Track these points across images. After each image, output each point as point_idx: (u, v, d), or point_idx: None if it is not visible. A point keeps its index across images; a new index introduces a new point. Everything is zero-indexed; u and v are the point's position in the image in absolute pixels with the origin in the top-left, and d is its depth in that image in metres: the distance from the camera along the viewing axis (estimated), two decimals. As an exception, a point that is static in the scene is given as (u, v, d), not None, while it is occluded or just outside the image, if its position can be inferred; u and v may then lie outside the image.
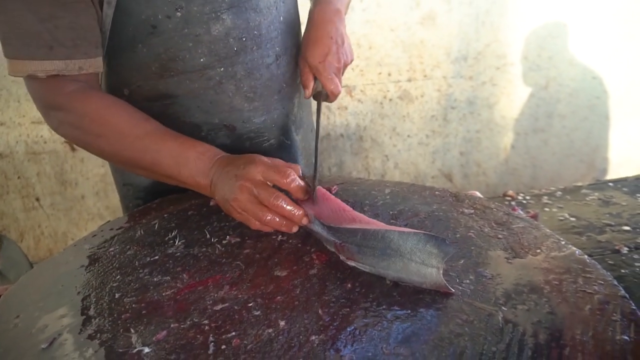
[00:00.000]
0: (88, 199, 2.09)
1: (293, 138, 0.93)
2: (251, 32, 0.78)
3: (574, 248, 0.59)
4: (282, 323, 0.48)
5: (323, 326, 0.47)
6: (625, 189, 1.05)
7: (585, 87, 2.18)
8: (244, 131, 0.85)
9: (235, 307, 0.52)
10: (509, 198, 1.06)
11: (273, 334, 0.47)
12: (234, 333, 0.48)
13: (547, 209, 1.00)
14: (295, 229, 0.65)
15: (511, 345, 0.43)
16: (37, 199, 2.06)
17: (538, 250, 0.58)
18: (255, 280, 0.56)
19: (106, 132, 0.70)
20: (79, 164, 2.03)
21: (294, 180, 0.63)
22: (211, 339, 0.47)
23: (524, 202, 1.04)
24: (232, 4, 0.74)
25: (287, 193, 0.64)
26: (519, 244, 0.60)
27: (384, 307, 0.50)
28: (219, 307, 0.52)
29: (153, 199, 0.87)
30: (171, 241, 0.67)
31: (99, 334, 0.49)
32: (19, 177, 2.02)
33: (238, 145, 0.85)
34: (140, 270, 0.61)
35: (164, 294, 0.55)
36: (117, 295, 0.56)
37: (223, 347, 0.46)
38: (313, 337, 0.46)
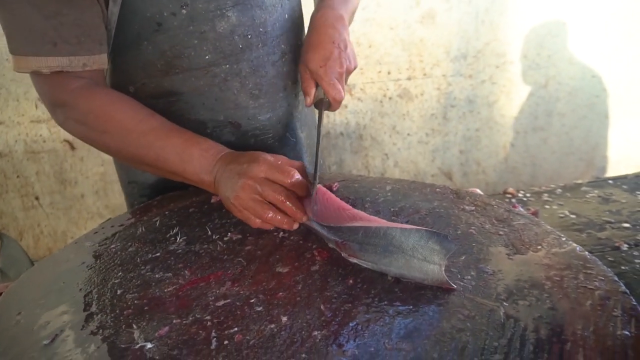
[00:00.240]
0: (87, 197, 2.09)
1: (298, 135, 0.93)
2: (256, 29, 0.78)
3: (575, 244, 0.59)
4: (284, 319, 0.48)
5: (325, 322, 0.47)
6: (625, 187, 1.05)
7: (585, 85, 2.18)
8: (249, 128, 0.85)
9: (237, 303, 0.52)
10: (509, 195, 1.06)
11: (275, 330, 0.47)
12: (236, 329, 0.48)
13: (547, 206, 1.00)
14: (296, 226, 0.65)
15: (513, 341, 0.43)
16: (37, 198, 2.06)
17: (539, 247, 0.58)
18: (257, 276, 0.57)
19: (111, 128, 0.70)
20: (78, 162, 2.03)
21: (297, 179, 0.63)
22: (214, 334, 0.47)
23: (524, 199, 1.05)
24: (238, 1, 0.74)
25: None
26: (520, 241, 0.60)
27: (385, 302, 0.50)
28: (221, 303, 0.52)
29: (157, 196, 0.87)
30: (172, 238, 0.67)
31: (101, 330, 0.49)
32: (18, 176, 2.02)
33: (243, 142, 0.85)
34: (142, 267, 0.61)
35: (165, 290, 0.55)
36: (119, 292, 0.56)
37: (226, 342, 0.46)
38: (315, 333, 0.46)
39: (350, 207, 0.64)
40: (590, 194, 1.04)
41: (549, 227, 0.63)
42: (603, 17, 2.09)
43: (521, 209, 0.74)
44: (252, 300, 0.52)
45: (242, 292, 0.54)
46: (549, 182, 2.30)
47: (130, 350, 0.46)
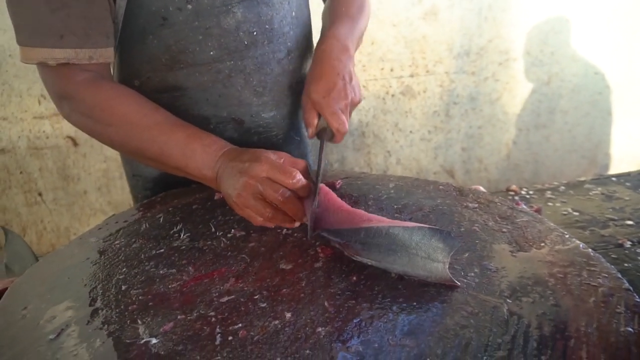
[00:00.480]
0: (90, 194, 2.09)
1: (302, 134, 0.93)
2: (262, 26, 0.77)
3: (578, 242, 0.59)
4: (288, 315, 0.49)
5: (329, 318, 0.48)
6: (628, 184, 1.05)
7: (588, 83, 2.18)
8: (252, 125, 0.85)
9: (241, 300, 0.52)
10: (512, 193, 1.06)
11: (279, 326, 0.47)
12: (240, 325, 0.48)
13: (550, 204, 1.00)
14: (297, 224, 0.65)
15: (516, 337, 0.44)
16: (40, 194, 2.07)
17: (542, 244, 0.58)
18: (261, 273, 0.57)
19: (115, 121, 0.71)
20: (81, 159, 2.03)
21: (299, 180, 0.62)
22: (218, 330, 0.47)
23: (527, 196, 1.05)
24: None
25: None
26: (523, 238, 0.60)
27: (389, 299, 0.50)
28: (225, 299, 0.52)
29: (161, 190, 0.87)
30: (176, 234, 0.67)
31: (106, 325, 0.50)
32: (21, 172, 2.03)
33: (246, 140, 0.85)
34: (146, 263, 0.61)
35: (170, 286, 0.56)
36: (123, 288, 0.56)
37: (230, 338, 0.46)
38: (319, 329, 0.46)
39: (350, 207, 0.63)
40: (594, 192, 1.04)
41: (552, 224, 0.63)
42: (606, 14, 2.08)
43: (524, 207, 0.74)
44: (256, 297, 0.52)
45: (246, 289, 0.54)
46: (551, 179, 2.30)
47: (135, 345, 0.46)
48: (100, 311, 0.52)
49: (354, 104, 0.75)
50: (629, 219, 0.89)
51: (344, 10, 0.85)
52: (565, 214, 0.95)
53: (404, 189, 0.76)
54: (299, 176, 0.62)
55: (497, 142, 2.24)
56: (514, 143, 2.25)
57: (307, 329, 0.46)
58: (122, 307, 0.53)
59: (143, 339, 0.47)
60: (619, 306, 0.47)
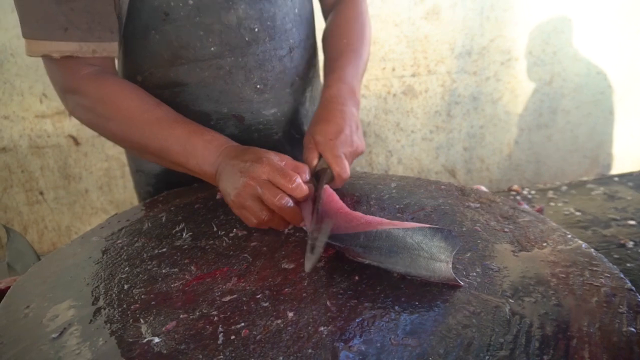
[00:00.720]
0: (92, 193, 2.09)
1: (303, 132, 0.93)
2: (264, 22, 0.77)
3: (580, 242, 0.59)
4: (290, 314, 0.49)
5: (331, 317, 0.48)
6: (630, 184, 1.05)
7: (590, 82, 2.17)
8: (253, 122, 0.85)
9: (244, 299, 0.52)
10: (514, 192, 1.06)
11: (282, 325, 0.47)
12: (242, 324, 0.48)
13: (552, 204, 1.00)
14: (290, 226, 0.65)
15: (518, 337, 0.44)
16: (41, 193, 2.07)
17: (544, 244, 0.58)
18: (263, 272, 0.57)
19: (116, 116, 0.71)
20: (82, 158, 2.04)
21: (299, 185, 0.61)
22: (220, 329, 0.47)
23: (529, 196, 1.05)
24: None
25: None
26: (525, 238, 0.60)
27: (391, 299, 0.50)
28: (228, 298, 0.52)
29: (163, 186, 0.87)
30: (178, 234, 0.68)
31: (108, 324, 0.50)
32: (22, 171, 2.03)
33: (247, 137, 0.85)
34: (149, 262, 0.61)
35: (172, 286, 0.56)
36: (125, 287, 0.56)
37: (232, 337, 0.46)
38: (322, 328, 0.46)
39: (348, 209, 0.62)
40: (596, 192, 1.04)
41: (554, 224, 0.63)
42: (608, 14, 2.08)
43: (526, 206, 0.74)
44: (258, 296, 0.52)
45: (248, 288, 0.54)
46: (553, 179, 2.30)
47: (137, 344, 0.46)
48: (102, 310, 0.52)
49: (357, 154, 0.74)
50: (632, 219, 0.89)
51: (345, 42, 0.85)
52: (567, 214, 0.95)
53: (405, 189, 0.76)
54: (299, 180, 0.61)
55: (498, 141, 2.24)
56: (516, 143, 2.25)
57: (310, 328, 0.47)
58: (124, 306, 0.53)
59: (145, 338, 0.47)
60: (621, 306, 0.47)
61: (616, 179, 1.08)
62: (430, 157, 2.23)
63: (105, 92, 0.71)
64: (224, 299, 0.52)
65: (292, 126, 0.90)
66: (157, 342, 0.46)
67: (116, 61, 0.78)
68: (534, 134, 2.24)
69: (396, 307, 0.48)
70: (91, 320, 0.51)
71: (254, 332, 0.47)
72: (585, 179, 1.12)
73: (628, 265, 0.74)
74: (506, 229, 0.62)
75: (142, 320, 0.50)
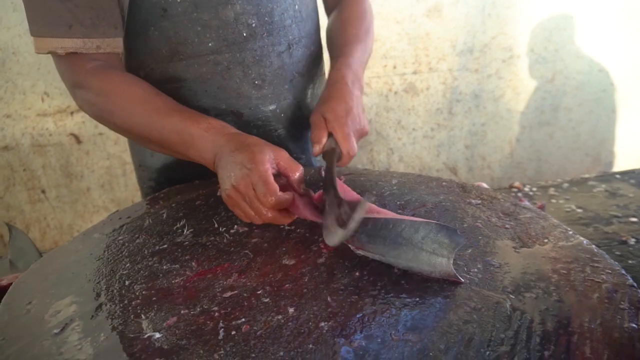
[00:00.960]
0: (93, 191, 2.10)
1: (303, 131, 0.92)
2: (262, 18, 0.78)
3: (582, 238, 0.59)
4: (291, 310, 0.49)
5: (332, 313, 0.48)
6: (632, 181, 1.05)
7: (592, 80, 2.17)
8: (251, 119, 0.85)
9: (245, 295, 0.52)
10: (515, 189, 1.06)
11: (282, 321, 0.47)
12: (243, 319, 0.48)
13: (553, 201, 1.00)
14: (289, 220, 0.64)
15: (519, 333, 0.44)
16: (43, 191, 2.08)
17: (546, 240, 0.58)
18: (264, 268, 0.57)
19: (117, 108, 0.72)
20: (84, 156, 2.04)
21: (276, 204, 0.60)
22: (221, 325, 0.47)
23: (531, 193, 1.04)
24: None
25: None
26: (527, 234, 0.60)
27: (392, 294, 0.50)
28: (228, 294, 0.52)
29: (165, 181, 0.88)
30: (179, 230, 0.68)
31: (110, 320, 0.50)
32: (24, 170, 2.03)
33: (245, 132, 0.85)
34: (150, 259, 0.61)
35: (173, 282, 0.56)
36: (127, 283, 0.56)
37: (233, 332, 0.46)
38: (322, 324, 0.46)
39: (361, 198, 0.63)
40: (597, 189, 1.04)
41: (555, 220, 0.63)
42: (610, 11, 2.07)
43: (527, 203, 0.74)
44: (259, 292, 0.52)
45: (249, 284, 0.54)
46: (555, 177, 2.29)
47: (139, 339, 0.47)
48: (104, 306, 0.52)
49: (363, 134, 0.76)
50: (633, 216, 0.89)
51: (353, 33, 0.86)
52: (568, 211, 0.94)
53: (406, 185, 0.76)
54: (276, 197, 0.59)
55: (500, 139, 2.23)
56: (518, 140, 2.24)
57: (310, 323, 0.47)
58: (125, 302, 0.53)
59: (147, 333, 0.47)
60: (622, 302, 0.47)
61: (618, 176, 1.08)
62: (432, 154, 2.22)
63: (107, 85, 0.72)
64: (224, 295, 0.52)
65: (291, 123, 0.90)
66: (158, 338, 0.47)
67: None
68: (535, 132, 2.23)
69: (397, 303, 0.48)
70: (93, 316, 0.51)
71: (255, 328, 0.47)
72: (586, 176, 1.11)
73: (630, 262, 0.74)
74: (507, 226, 0.62)
75: (143, 316, 0.50)
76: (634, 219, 0.88)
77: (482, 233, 0.61)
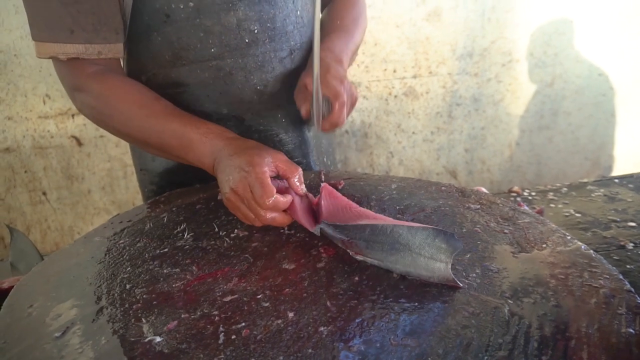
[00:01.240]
0: (94, 193, 2.10)
1: (304, 134, 0.93)
2: (264, 24, 0.78)
3: (580, 243, 0.59)
4: (290, 314, 0.49)
5: (331, 318, 0.48)
6: (631, 186, 1.05)
7: (591, 84, 2.17)
8: (253, 123, 0.85)
9: (245, 299, 0.52)
10: (514, 194, 1.06)
11: (282, 325, 0.48)
12: (243, 324, 0.48)
13: (552, 205, 1.00)
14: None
15: (517, 337, 0.44)
16: (44, 193, 2.08)
17: (544, 245, 0.59)
18: (264, 272, 0.57)
19: (116, 112, 0.72)
20: (85, 158, 2.04)
21: (274, 207, 0.61)
22: (221, 329, 0.48)
23: (530, 198, 1.05)
24: None
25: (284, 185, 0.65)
26: (525, 239, 0.60)
27: (391, 299, 0.50)
28: (228, 298, 0.53)
29: (166, 185, 0.88)
30: (180, 234, 0.68)
31: (111, 324, 0.50)
32: (25, 171, 2.04)
33: (247, 137, 0.85)
34: (150, 262, 0.62)
35: (174, 286, 0.56)
36: (128, 286, 0.57)
37: (233, 337, 0.47)
38: (322, 328, 0.47)
39: (357, 205, 0.64)
40: (596, 193, 1.04)
41: (554, 225, 0.63)
42: (610, 15, 2.08)
43: (526, 208, 0.74)
44: (259, 296, 0.53)
45: (249, 288, 0.54)
46: (555, 181, 2.29)
47: (139, 343, 0.47)
48: (105, 309, 0.53)
49: (353, 101, 0.77)
50: (632, 221, 0.89)
51: (339, 23, 0.87)
52: (567, 216, 0.95)
53: (406, 190, 0.76)
54: (273, 199, 0.61)
55: (499, 143, 2.24)
56: (517, 144, 2.25)
57: (310, 328, 0.47)
58: (126, 305, 0.53)
59: (147, 337, 0.48)
60: (620, 307, 0.47)
61: (616, 180, 1.08)
62: (432, 158, 2.23)
63: (107, 89, 0.72)
64: (225, 299, 0.53)
65: (293, 128, 0.91)
66: (158, 342, 0.47)
67: (121, 61, 0.80)
68: (535, 136, 2.24)
69: (396, 308, 0.49)
70: (94, 320, 0.51)
71: (255, 332, 0.47)
72: (585, 180, 1.12)
73: (628, 266, 0.74)
74: (506, 230, 0.63)
75: (143, 320, 0.50)
76: (632, 224, 0.88)
77: (481, 238, 0.61)
